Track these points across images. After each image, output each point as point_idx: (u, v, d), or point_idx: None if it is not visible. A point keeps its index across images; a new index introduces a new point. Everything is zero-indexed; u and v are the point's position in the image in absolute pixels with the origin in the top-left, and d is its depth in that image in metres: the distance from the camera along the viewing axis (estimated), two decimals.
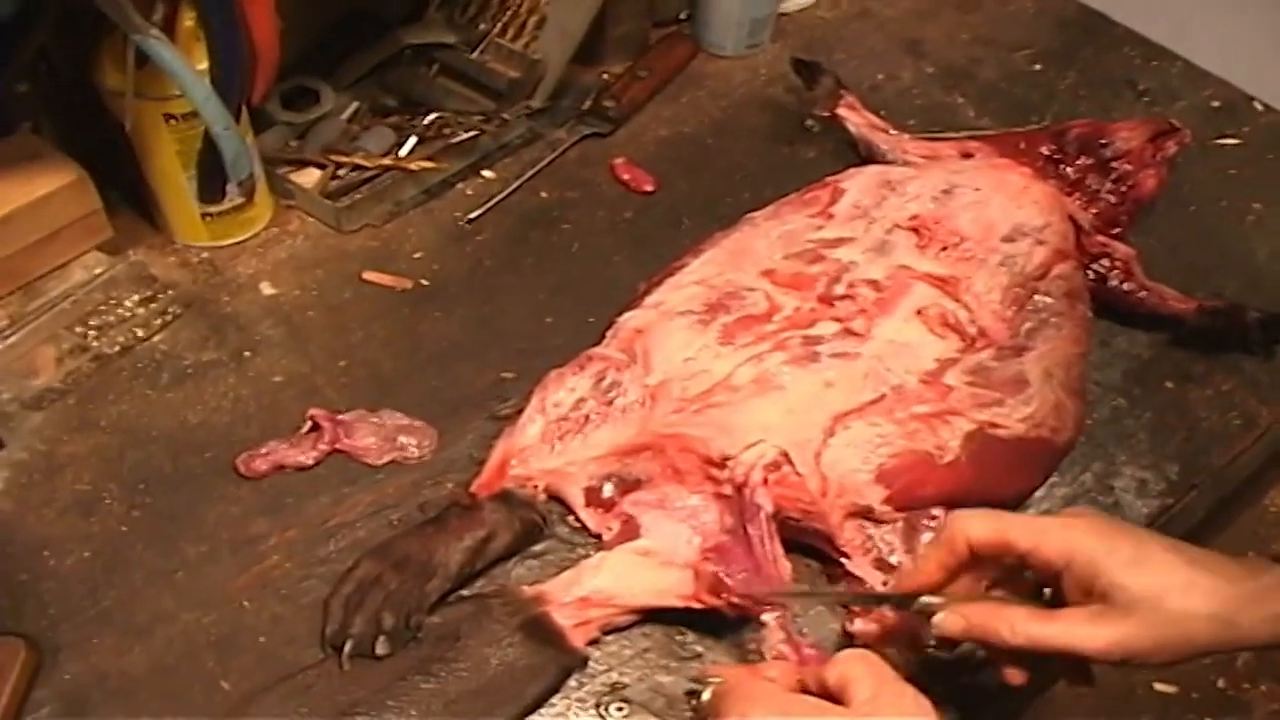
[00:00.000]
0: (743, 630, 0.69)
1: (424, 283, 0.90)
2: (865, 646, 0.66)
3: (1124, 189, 0.92)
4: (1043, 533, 0.60)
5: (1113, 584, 0.57)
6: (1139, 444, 0.81)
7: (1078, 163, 0.93)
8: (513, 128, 1.00)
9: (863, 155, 1.00)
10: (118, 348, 0.84)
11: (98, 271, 0.87)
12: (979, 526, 0.61)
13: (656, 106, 1.07)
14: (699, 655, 0.69)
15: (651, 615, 0.69)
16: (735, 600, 0.66)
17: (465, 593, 0.70)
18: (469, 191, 0.98)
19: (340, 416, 0.78)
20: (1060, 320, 0.81)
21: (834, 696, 0.56)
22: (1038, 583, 0.62)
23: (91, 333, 0.84)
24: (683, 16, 1.14)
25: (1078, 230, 0.88)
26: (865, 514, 0.71)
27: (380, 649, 0.65)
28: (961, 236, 0.84)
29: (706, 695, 0.60)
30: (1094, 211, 0.91)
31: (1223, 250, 0.95)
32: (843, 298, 0.80)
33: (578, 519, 0.74)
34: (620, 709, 0.66)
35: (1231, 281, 0.92)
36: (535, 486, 0.74)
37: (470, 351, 0.85)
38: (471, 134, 0.99)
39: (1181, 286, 0.87)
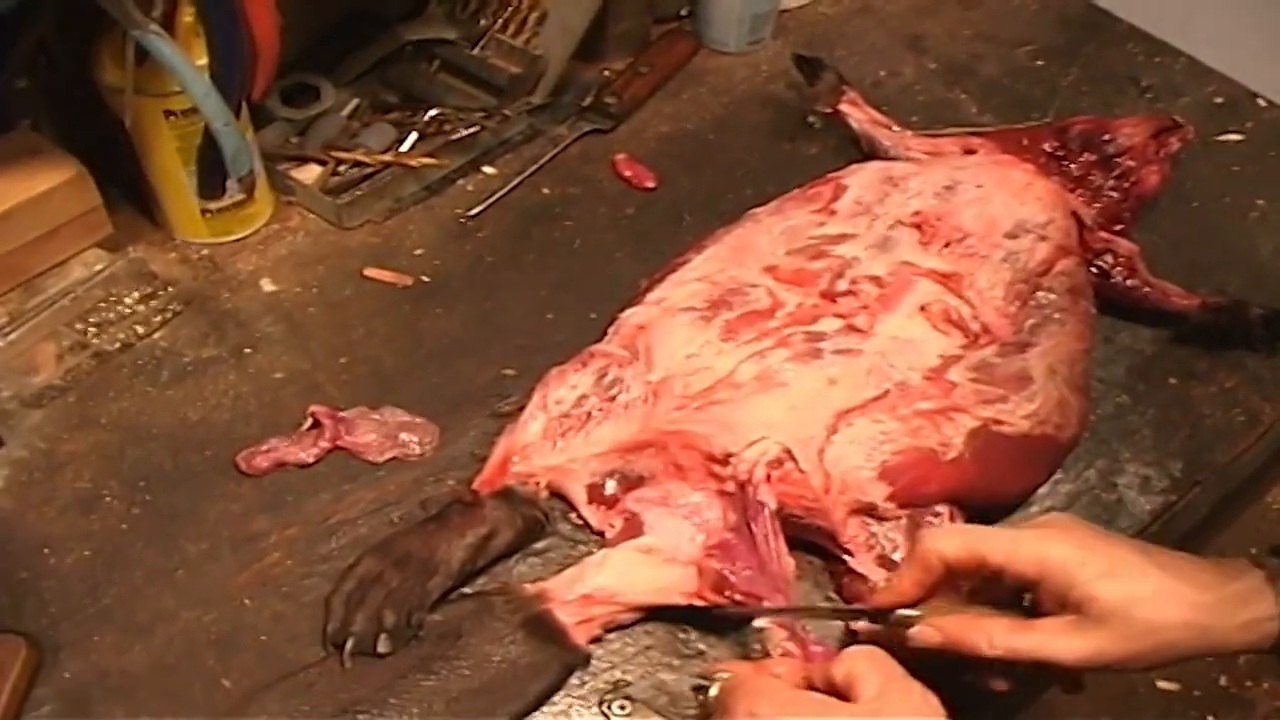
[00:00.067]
0: (745, 628, 0.69)
1: (425, 279, 0.90)
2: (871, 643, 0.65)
3: (1127, 185, 0.91)
4: (1015, 546, 0.60)
5: (1086, 595, 0.57)
6: (1142, 440, 0.81)
7: (1080, 159, 0.93)
8: (514, 124, 1.00)
9: (865, 151, 0.99)
10: (118, 345, 0.84)
11: (98, 268, 0.87)
12: (951, 544, 0.61)
13: (658, 103, 1.07)
14: (702, 653, 0.69)
15: (654, 613, 0.69)
16: (738, 598, 0.66)
17: (467, 590, 0.70)
18: (470, 188, 0.98)
19: (341, 413, 0.78)
20: (1064, 316, 0.81)
21: (841, 693, 0.56)
22: (1017, 589, 0.61)
23: (91, 330, 0.84)
24: (684, 13, 1.14)
25: (1080, 226, 0.88)
26: (868, 511, 0.71)
27: (382, 647, 0.65)
28: (964, 233, 0.84)
29: (714, 691, 0.60)
30: (1097, 207, 0.91)
31: (1226, 246, 0.95)
32: (845, 294, 0.79)
33: (580, 516, 0.74)
34: (623, 707, 0.66)
35: (1234, 278, 0.92)
36: (537, 483, 0.74)
37: (471, 348, 0.85)
38: (472, 130, 0.99)
39: (1184, 283, 0.87)
